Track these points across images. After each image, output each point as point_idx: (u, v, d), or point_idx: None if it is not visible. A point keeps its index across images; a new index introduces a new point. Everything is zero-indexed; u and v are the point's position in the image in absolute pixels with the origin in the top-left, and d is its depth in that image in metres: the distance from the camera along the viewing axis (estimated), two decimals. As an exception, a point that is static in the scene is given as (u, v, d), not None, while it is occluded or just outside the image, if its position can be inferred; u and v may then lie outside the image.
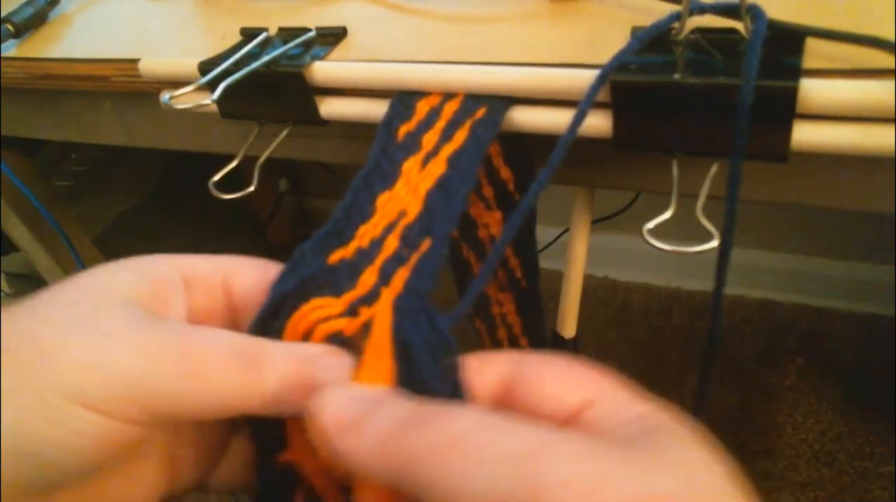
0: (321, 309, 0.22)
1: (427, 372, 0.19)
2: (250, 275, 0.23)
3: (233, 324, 0.24)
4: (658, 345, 1.16)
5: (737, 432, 1.01)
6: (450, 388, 0.20)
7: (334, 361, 0.21)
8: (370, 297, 0.23)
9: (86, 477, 0.19)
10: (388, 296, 0.22)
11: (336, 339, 0.22)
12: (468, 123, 0.30)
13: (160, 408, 0.19)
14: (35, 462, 0.18)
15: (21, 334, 0.19)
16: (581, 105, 0.27)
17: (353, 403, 0.18)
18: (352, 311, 0.22)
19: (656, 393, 0.19)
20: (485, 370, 0.20)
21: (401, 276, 0.23)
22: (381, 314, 0.21)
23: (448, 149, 0.28)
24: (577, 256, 0.42)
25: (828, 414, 1.01)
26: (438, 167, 0.28)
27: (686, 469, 0.15)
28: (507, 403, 0.20)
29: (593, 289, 1.26)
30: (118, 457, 0.19)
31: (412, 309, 0.21)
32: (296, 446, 0.22)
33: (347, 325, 0.22)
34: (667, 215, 0.28)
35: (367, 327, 0.21)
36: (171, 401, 0.19)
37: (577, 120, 0.27)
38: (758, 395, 1.05)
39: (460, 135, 0.29)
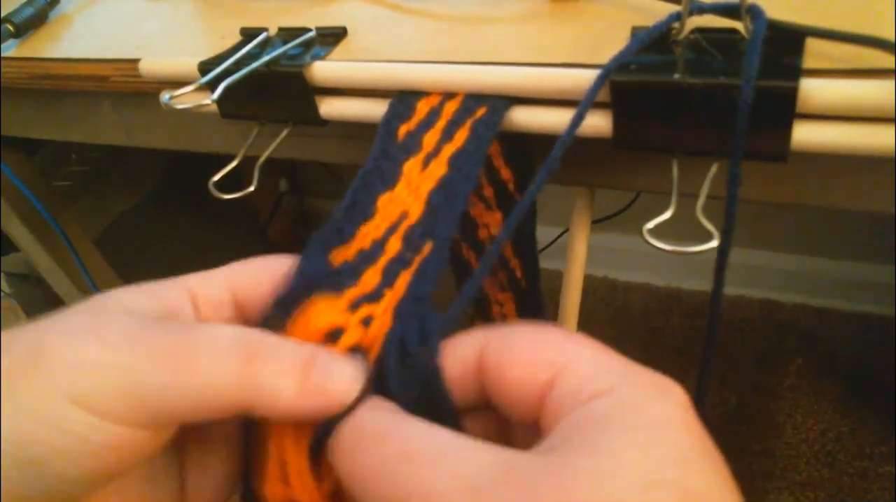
0: (325, 313, 0.22)
1: (396, 379, 0.20)
2: (261, 285, 0.23)
3: None
4: (658, 345, 1.16)
5: (737, 432, 1.01)
6: (427, 390, 0.20)
7: (331, 357, 0.20)
8: (373, 296, 0.23)
9: (92, 488, 0.19)
10: (391, 299, 0.22)
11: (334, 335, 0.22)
12: (469, 122, 0.30)
13: (155, 404, 0.18)
14: (36, 470, 0.18)
15: (23, 340, 0.19)
16: (580, 106, 0.27)
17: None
18: (354, 308, 0.22)
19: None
20: (456, 353, 0.20)
21: (404, 279, 0.23)
22: (383, 321, 0.21)
23: (449, 150, 0.28)
24: (577, 256, 0.42)
25: (828, 414, 1.01)
26: (440, 168, 0.28)
27: (603, 481, 0.15)
28: (481, 382, 0.20)
29: (593, 289, 1.26)
30: (123, 470, 0.19)
31: (411, 313, 0.22)
32: (271, 477, 0.22)
33: (356, 335, 0.22)
34: (667, 215, 0.28)
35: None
36: (165, 396, 0.18)
37: (576, 121, 0.27)
38: (758, 395, 1.05)
39: (461, 135, 0.29)
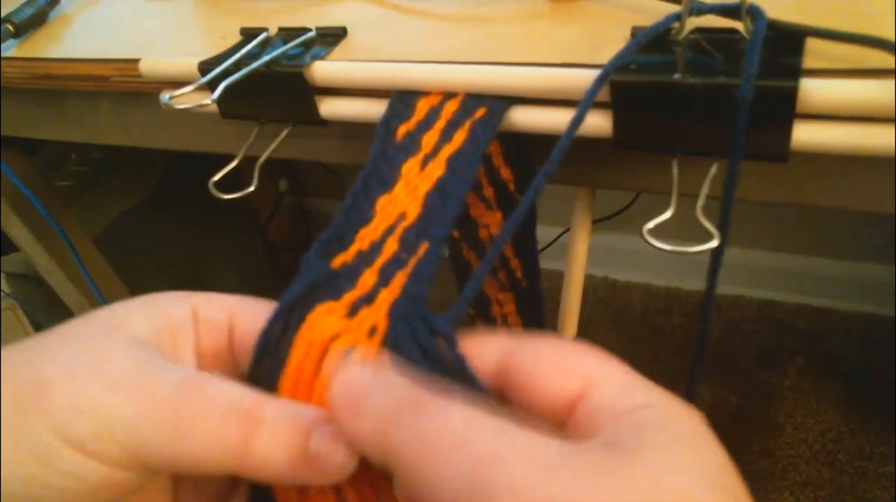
0: (326, 318, 0.22)
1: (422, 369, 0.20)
2: (251, 318, 0.23)
3: (235, 365, 0.24)
4: (658, 345, 1.16)
5: (737, 432, 1.01)
6: (454, 378, 0.20)
7: (328, 432, 0.20)
8: (369, 297, 0.23)
9: None
10: (385, 298, 0.22)
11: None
12: (467, 124, 0.30)
13: (151, 461, 0.19)
14: None
15: (23, 366, 0.19)
16: (580, 106, 0.27)
17: (355, 384, 0.19)
18: (353, 311, 0.22)
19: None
20: (480, 353, 0.20)
21: (399, 280, 0.23)
22: (379, 323, 0.21)
23: (447, 151, 0.28)
24: (577, 256, 0.42)
25: (828, 414, 1.01)
26: (437, 169, 0.28)
27: (672, 476, 0.15)
28: (502, 388, 0.20)
29: (593, 289, 1.26)
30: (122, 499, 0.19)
31: (407, 313, 0.22)
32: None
33: (358, 339, 0.22)
34: (667, 215, 0.28)
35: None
36: (162, 456, 0.19)
37: (575, 122, 0.27)
38: (758, 395, 1.05)
39: (459, 136, 0.29)
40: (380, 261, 0.24)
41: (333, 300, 0.23)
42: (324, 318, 0.22)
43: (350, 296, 0.23)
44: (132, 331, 0.21)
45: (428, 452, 0.16)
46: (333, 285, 0.23)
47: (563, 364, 0.19)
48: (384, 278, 0.23)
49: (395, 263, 0.24)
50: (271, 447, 0.19)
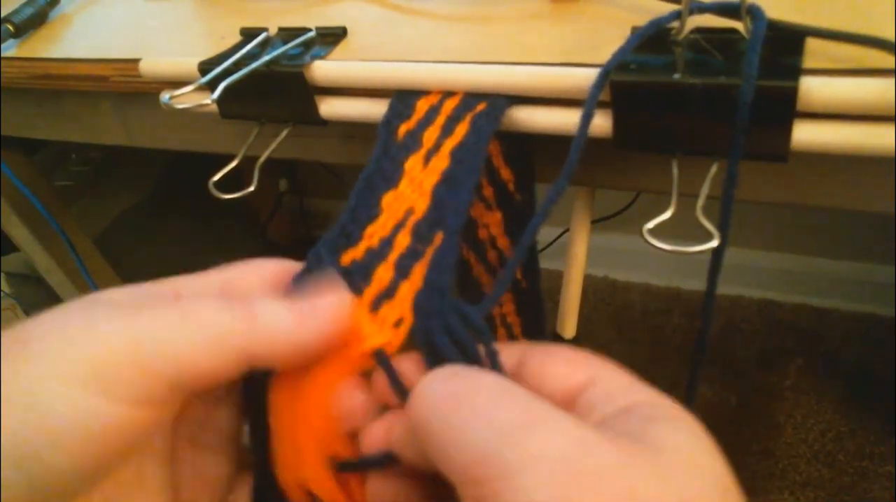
0: (363, 324, 0.22)
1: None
2: (249, 280, 0.23)
3: None
4: (658, 345, 1.16)
5: (737, 432, 1.01)
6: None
7: (326, 302, 0.21)
8: (390, 291, 0.23)
9: (85, 483, 0.18)
10: (407, 290, 0.23)
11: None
12: (468, 117, 0.30)
13: (165, 367, 0.18)
14: (28, 466, 0.17)
15: (11, 332, 0.18)
16: (587, 104, 0.27)
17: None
18: (376, 307, 0.22)
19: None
20: (504, 355, 0.21)
21: (419, 271, 0.23)
22: (404, 315, 0.22)
23: (449, 144, 0.29)
24: (577, 256, 0.42)
25: (828, 414, 1.01)
26: (441, 162, 0.28)
27: (678, 468, 0.15)
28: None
29: (593, 289, 1.26)
30: (117, 458, 0.18)
31: (435, 305, 0.22)
32: (282, 462, 0.22)
33: (384, 332, 0.22)
34: (667, 215, 0.28)
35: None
36: (175, 354, 0.18)
37: (586, 117, 0.27)
38: (758, 395, 1.05)
39: (461, 129, 0.29)
40: (393, 256, 0.24)
41: (356, 298, 0.23)
42: (355, 317, 0.22)
43: (370, 293, 0.23)
44: (113, 296, 0.21)
45: (457, 408, 0.16)
46: (349, 282, 0.23)
47: (571, 361, 0.20)
48: (402, 271, 0.23)
49: (411, 256, 0.24)
50: (273, 310, 0.20)
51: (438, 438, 0.16)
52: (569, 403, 0.19)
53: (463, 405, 0.16)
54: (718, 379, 1.07)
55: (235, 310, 0.19)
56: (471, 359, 0.20)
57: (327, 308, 0.21)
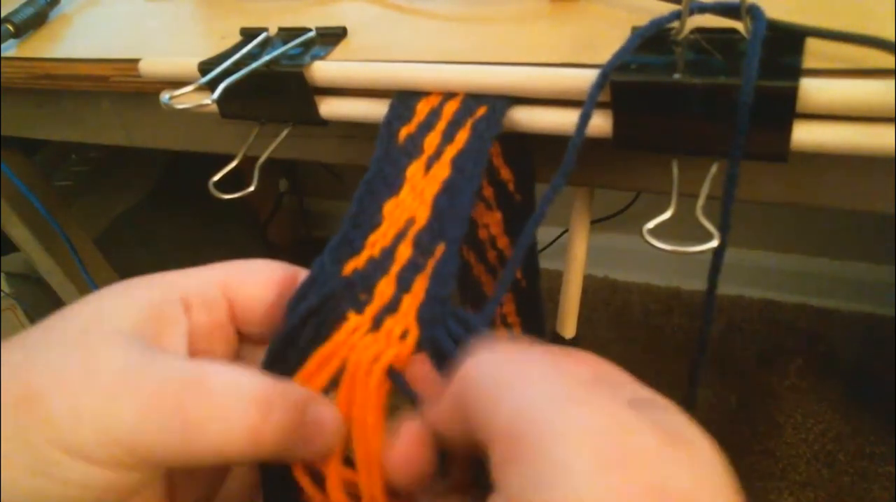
0: (353, 334, 0.22)
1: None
2: (251, 282, 0.23)
3: (237, 336, 0.23)
4: (658, 345, 1.16)
5: (737, 432, 1.01)
6: None
7: (322, 410, 0.20)
8: (392, 306, 0.23)
9: None
10: (410, 303, 0.23)
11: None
12: (469, 123, 0.30)
13: (159, 460, 0.18)
14: None
15: (13, 378, 0.18)
16: (586, 105, 0.27)
17: None
18: (377, 324, 0.22)
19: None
20: None
21: (420, 283, 0.23)
22: (409, 327, 0.22)
23: (451, 152, 0.29)
24: (577, 256, 0.42)
25: (828, 414, 1.01)
26: (443, 171, 0.28)
27: (707, 464, 0.16)
28: None
29: (593, 289, 1.26)
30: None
31: (437, 315, 0.22)
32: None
33: (389, 345, 0.22)
34: (667, 215, 0.28)
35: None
36: (170, 454, 0.18)
37: (585, 117, 0.27)
38: (758, 395, 1.05)
39: (462, 136, 0.29)
40: (395, 269, 0.24)
41: (356, 312, 0.23)
42: (353, 336, 0.22)
43: (372, 309, 0.23)
44: (116, 323, 0.20)
45: (511, 374, 0.17)
46: (349, 294, 0.23)
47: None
48: (404, 285, 0.24)
49: (413, 269, 0.24)
50: (277, 427, 0.19)
51: (486, 401, 0.17)
52: None
53: (516, 370, 0.17)
54: (718, 380, 1.07)
55: (253, 415, 0.19)
56: None
57: (326, 432, 0.20)
